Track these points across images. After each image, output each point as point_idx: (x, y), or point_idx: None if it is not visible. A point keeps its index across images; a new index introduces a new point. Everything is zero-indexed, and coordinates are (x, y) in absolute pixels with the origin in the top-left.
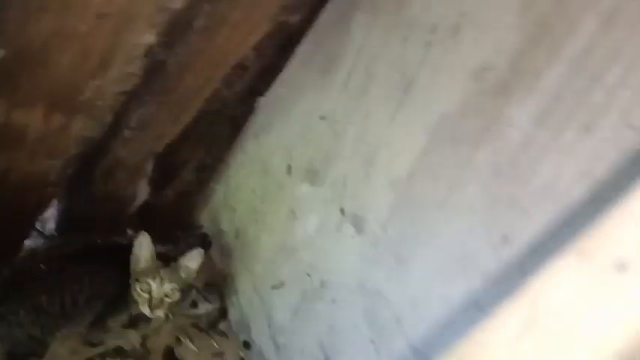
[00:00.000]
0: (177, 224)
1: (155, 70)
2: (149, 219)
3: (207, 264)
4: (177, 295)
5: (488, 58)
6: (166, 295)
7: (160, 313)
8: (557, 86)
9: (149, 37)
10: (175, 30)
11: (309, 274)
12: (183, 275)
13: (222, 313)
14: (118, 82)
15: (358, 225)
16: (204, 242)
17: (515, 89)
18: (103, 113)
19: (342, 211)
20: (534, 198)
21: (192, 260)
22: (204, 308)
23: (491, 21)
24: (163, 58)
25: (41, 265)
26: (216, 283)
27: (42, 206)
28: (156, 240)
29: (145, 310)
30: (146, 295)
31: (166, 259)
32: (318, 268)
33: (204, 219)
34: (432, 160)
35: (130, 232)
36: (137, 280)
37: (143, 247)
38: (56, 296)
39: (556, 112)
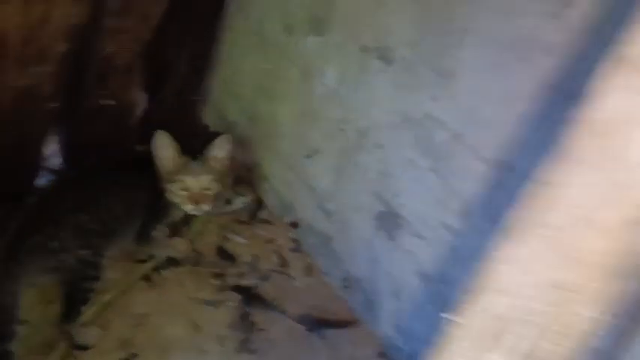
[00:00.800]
0: (183, 130)
1: None
2: (153, 130)
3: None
4: (215, 187)
5: None
6: (206, 189)
7: (205, 207)
8: None
9: None
10: None
11: (342, 129)
12: (215, 165)
13: (259, 203)
14: None
15: (384, 56)
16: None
17: None
18: None
19: (363, 48)
20: None
21: (220, 148)
22: (240, 202)
23: None
24: None
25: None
26: (244, 177)
27: (44, 133)
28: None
29: (188, 207)
30: (184, 193)
31: (193, 154)
32: (350, 119)
33: (208, 118)
34: None
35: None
36: (170, 182)
37: (165, 146)
38: (94, 213)
39: None
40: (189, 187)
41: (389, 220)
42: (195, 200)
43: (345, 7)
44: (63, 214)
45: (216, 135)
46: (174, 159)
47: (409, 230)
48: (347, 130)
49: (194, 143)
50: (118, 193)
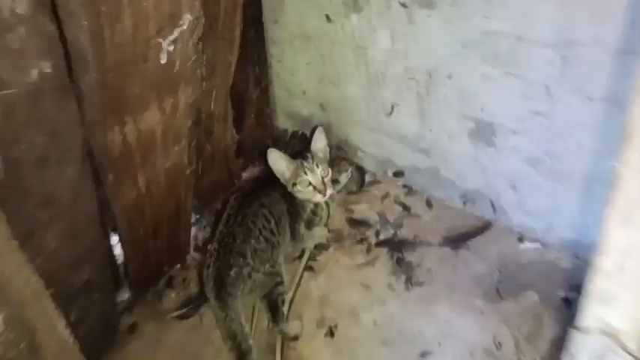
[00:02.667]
0: (267, 140)
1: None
2: (246, 150)
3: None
4: (329, 172)
5: None
6: (324, 177)
7: (329, 191)
8: None
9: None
10: None
11: (411, 78)
12: (321, 155)
13: (361, 171)
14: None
15: (425, 4)
16: (299, 138)
17: None
18: (191, 70)
19: (403, 4)
20: None
21: (318, 140)
22: (345, 177)
23: None
24: None
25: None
26: (338, 155)
27: (188, 193)
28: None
29: (318, 197)
30: (310, 188)
31: (299, 155)
32: (415, 67)
33: (282, 122)
34: None
35: (244, 174)
36: (295, 184)
37: (278, 160)
38: (257, 237)
39: None
40: (312, 182)
41: (483, 132)
42: (321, 190)
43: None
44: (239, 247)
45: (297, 133)
46: (289, 166)
47: (504, 131)
48: (415, 77)
49: (281, 146)
50: (264, 214)
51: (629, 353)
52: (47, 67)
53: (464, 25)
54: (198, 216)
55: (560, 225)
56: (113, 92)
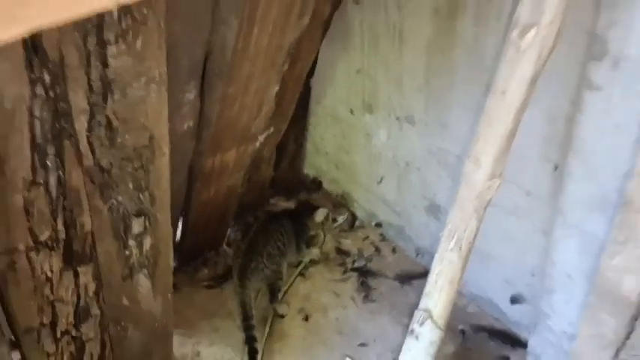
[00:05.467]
0: (294, 180)
1: None
2: (278, 187)
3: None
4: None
5: None
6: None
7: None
8: None
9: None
10: None
11: (396, 163)
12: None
13: (353, 217)
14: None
15: (410, 120)
16: (317, 184)
17: None
18: (255, 132)
19: (397, 118)
20: None
21: (320, 215)
22: (341, 219)
23: None
24: None
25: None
26: (340, 202)
27: (233, 206)
28: (285, 197)
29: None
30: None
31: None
32: (399, 156)
33: (308, 169)
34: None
35: (272, 200)
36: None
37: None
38: (273, 245)
39: None
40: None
41: (434, 210)
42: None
43: (384, 95)
44: (260, 249)
45: (313, 183)
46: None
47: (446, 211)
48: (398, 163)
49: (301, 188)
50: (280, 231)
51: (435, 323)
52: (190, 124)
53: (429, 139)
54: (233, 222)
55: (473, 284)
56: (217, 141)
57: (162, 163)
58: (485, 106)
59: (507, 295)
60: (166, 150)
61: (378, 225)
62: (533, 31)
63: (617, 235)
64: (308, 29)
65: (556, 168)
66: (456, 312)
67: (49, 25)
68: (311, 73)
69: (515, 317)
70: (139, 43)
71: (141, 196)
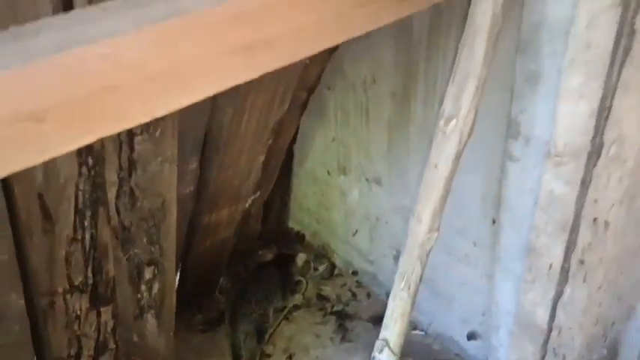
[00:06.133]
0: (280, 233)
1: None
2: (266, 240)
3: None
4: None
5: None
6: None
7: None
8: None
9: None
10: None
11: (368, 218)
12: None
13: (333, 265)
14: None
15: (378, 182)
16: (300, 237)
17: None
18: (245, 194)
19: (367, 180)
20: None
21: (300, 259)
22: (322, 268)
23: None
24: None
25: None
26: (322, 253)
27: (224, 258)
28: (271, 249)
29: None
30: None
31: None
32: (370, 213)
33: (292, 224)
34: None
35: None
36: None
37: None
38: (261, 293)
39: None
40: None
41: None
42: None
43: (355, 160)
44: (249, 296)
45: (298, 232)
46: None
47: None
48: (370, 218)
49: (286, 240)
50: (268, 279)
51: (391, 350)
52: (192, 188)
53: (394, 198)
54: (225, 271)
55: (437, 324)
56: (213, 201)
57: (171, 222)
58: (423, 177)
59: (464, 333)
60: (174, 211)
61: (355, 273)
62: (454, 122)
63: (527, 276)
64: (288, 111)
65: (494, 222)
66: (423, 349)
67: (109, 134)
68: (293, 142)
69: (472, 352)
70: (158, 132)
71: (152, 248)
